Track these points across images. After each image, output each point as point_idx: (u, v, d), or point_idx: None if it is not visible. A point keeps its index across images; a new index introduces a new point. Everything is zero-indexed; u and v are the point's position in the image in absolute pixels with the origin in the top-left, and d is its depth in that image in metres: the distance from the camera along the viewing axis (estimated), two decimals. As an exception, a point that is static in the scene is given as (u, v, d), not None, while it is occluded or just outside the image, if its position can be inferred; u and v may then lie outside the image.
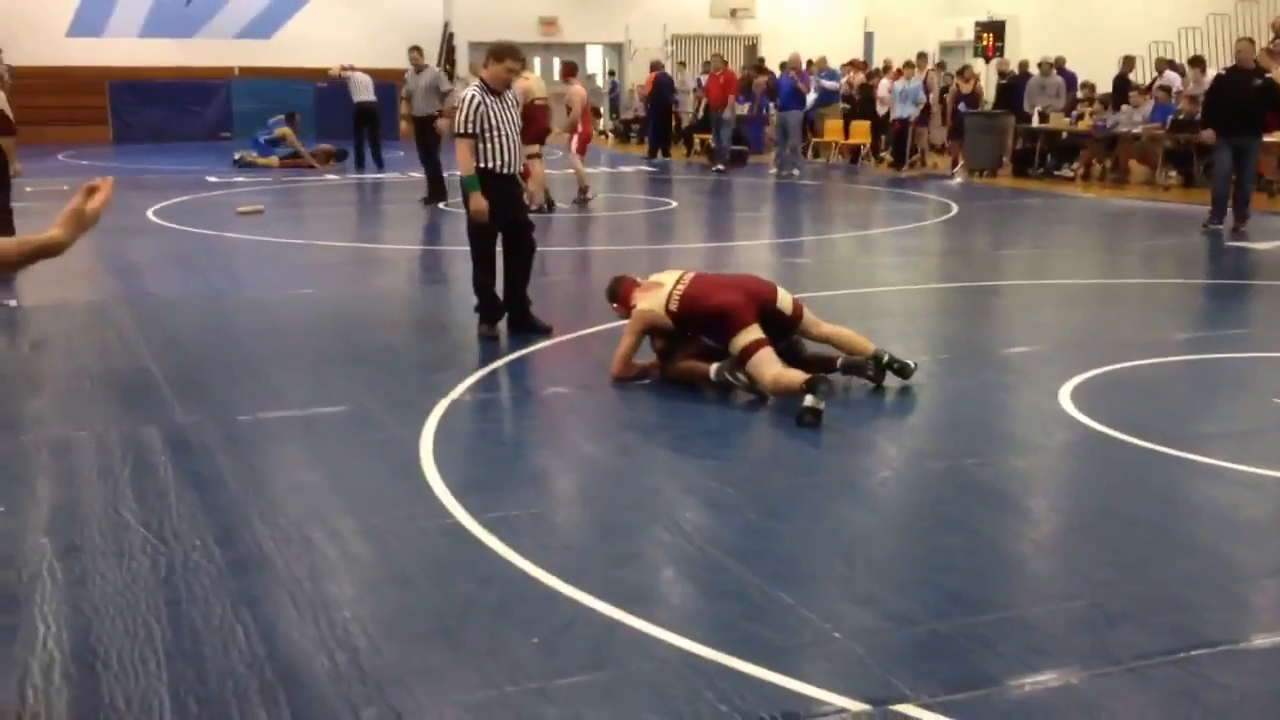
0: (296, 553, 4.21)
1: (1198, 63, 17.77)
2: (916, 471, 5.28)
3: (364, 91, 19.08)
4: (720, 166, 19.89)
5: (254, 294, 9.31)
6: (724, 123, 20.03)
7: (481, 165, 7.27)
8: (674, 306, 6.31)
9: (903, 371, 6.40)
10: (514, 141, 7.34)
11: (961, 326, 8.52)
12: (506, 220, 7.42)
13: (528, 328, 7.55)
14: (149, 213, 13.81)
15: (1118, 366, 6.82)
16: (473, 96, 7.22)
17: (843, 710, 3.20)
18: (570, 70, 15.32)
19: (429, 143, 14.81)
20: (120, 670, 3.39)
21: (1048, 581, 4.12)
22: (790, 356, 6.30)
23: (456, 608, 3.80)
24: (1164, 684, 3.34)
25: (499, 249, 7.57)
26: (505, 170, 7.32)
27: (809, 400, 5.72)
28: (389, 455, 5.31)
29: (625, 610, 3.76)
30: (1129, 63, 19.94)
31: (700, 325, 6.33)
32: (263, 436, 5.59)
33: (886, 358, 6.38)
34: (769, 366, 6.03)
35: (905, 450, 5.60)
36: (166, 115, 26.00)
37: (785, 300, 6.40)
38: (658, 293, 6.41)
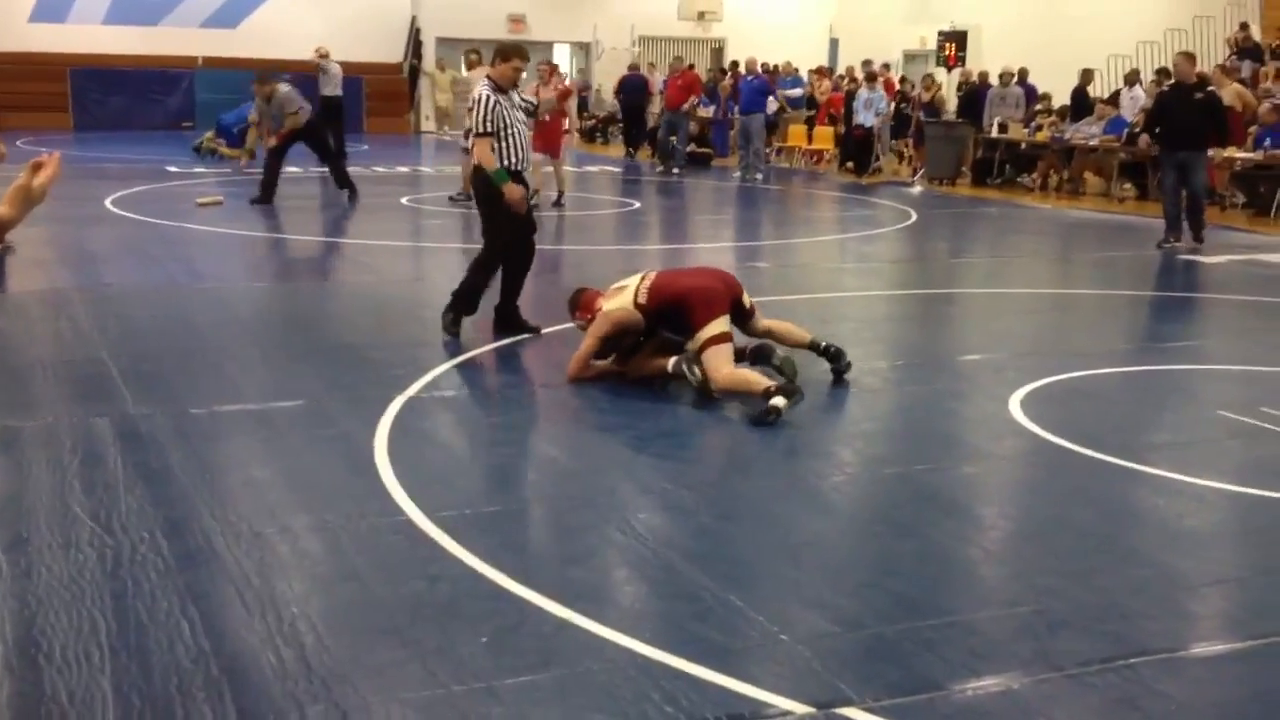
0: (246, 548, 4.20)
1: (1164, 74, 17.95)
2: (869, 476, 5.32)
3: (333, 85, 18.92)
4: (676, 169, 19.77)
5: (213, 286, 9.25)
6: (677, 124, 19.96)
7: (499, 163, 7.23)
8: (643, 299, 6.30)
9: (837, 358, 6.61)
10: (526, 139, 7.35)
11: (917, 333, 8.59)
12: (523, 218, 7.41)
13: (518, 328, 7.52)
14: (107, 202, 13.69)
15: (1068, 376, 6.90)
16: (487, 96, 7.15)
17: (788, 713, 3.23)
18: (554, 71, 15.19)
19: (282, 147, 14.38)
20: (63, 663, 3.37)
21: (993, 587, 4.17)
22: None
23: (406, 605, 3.80)
24: (1104, 691, 3.39)
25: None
26: (520, 167, 7.30)
27: (777, 400, 5.79)
28: (343, 451, 5.30)
29: (575, 610, 3.77)
30: (1087, 75, 20.13)
31: (671, 314, 6.29)
32: (216, 430, 5.56)
33: (823, 345, 6.63)
34: (726, 362, 6.10)
35: (859, 455, 5.65)
36: (128, 104, 25.80)
37: (745, 297, 6.54)
38: (623, 293, 6.41)
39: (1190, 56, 13.04)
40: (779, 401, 5.79)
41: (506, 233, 7.35)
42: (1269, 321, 9.14)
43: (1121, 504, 4.97)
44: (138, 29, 26.09)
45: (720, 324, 6.17)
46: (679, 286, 6.30)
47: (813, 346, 6.67)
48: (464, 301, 7.46)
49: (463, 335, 7.44)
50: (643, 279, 6.43)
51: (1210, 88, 12.66)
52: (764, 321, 6.68)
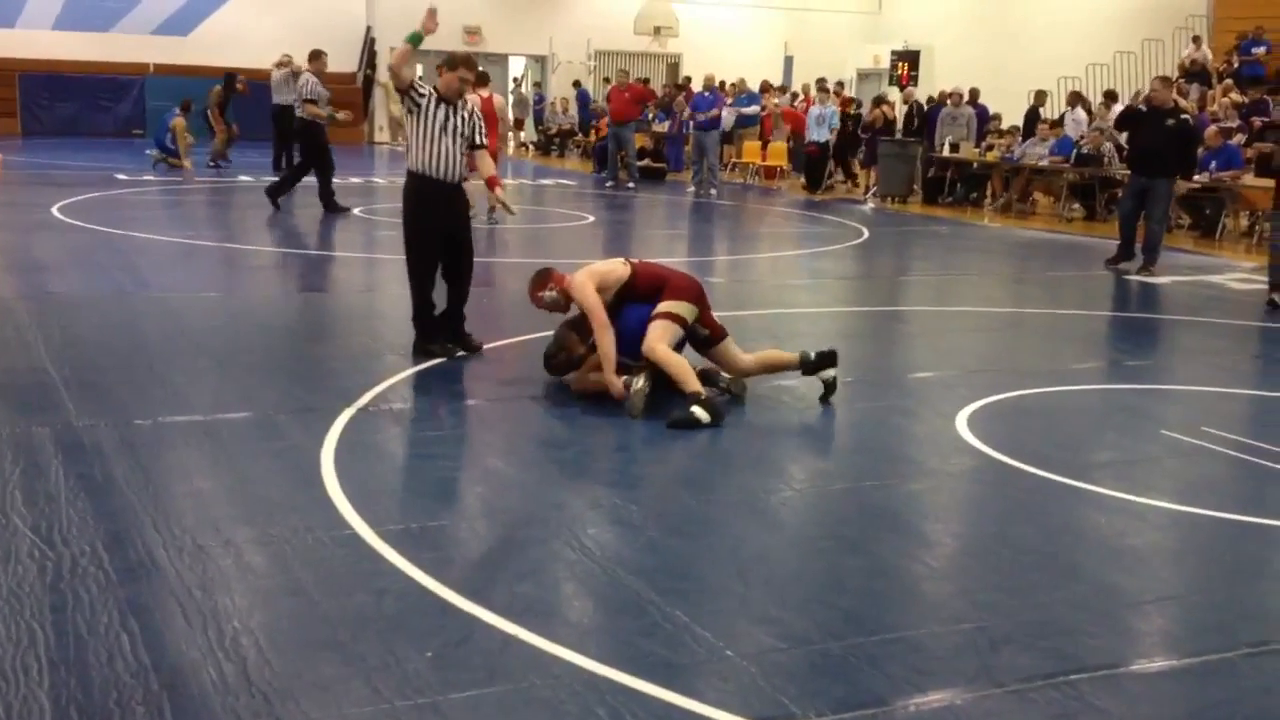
0: (189, 562, 4.16)
1: (1111, 97, 18.22)
2: (817, 492, 5.35)
3: (283, 93, 18.83)
4: (631, 183, 19.76)
5: (161, 295, 9.16)
6: (624, 138, 19.97)
7: (417, 170, 7.15)
8: (634, 261, 6.58)
9: (828, 363, 6.57)
10: (453, 153, 7.14)
11: (867, 350, 8.64)
12: (445, 231, 7.27)
13: (459, 346, 7.43)
14: (55, 209, 13.54)
15: (1015, 394, 6.97)
16: (429, 92, 7.08)
17: (732, 728, 3.24)
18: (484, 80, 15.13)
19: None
20: (0, 678, 3.32)
21: (937, 604, 4.20)
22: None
23: (350, 620, 3.77)
24: (1045, 707, 3.42)
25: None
26: (441, 177, 7.14)
27: (699, 411, 5.90)
28: (290, 464, 5.26)
29: (522, 625, 3.76)
30: (1040, 97, 20.38)
31: (650, 286, 6.40)
32: (161, 442, 5.50)
33: (813, 355, 6.59)
34: (668, 338, 6.21)
35: (807, 471, 5.68)
36: (78, 110, 25.60)
37: (711, 314, 6.58)
38: (611, 260, 6.64)
39: (1167, 80, 12.86)
40: (700, 413, 5.91)
41: (418, 236, 7.25)
42: (1212, 342, 9.28)
43: (1065, 521, 5.02)
44: (88, 35, 25.83)
45: (683, 306, 6.30)
46: (662, 271, 6.58)
47: (803, 360, 6.58)
48: (419, 324, 7.36)
49: (409, 350, 7.39)
50: (630, 259, 6.68)
51: (1184, 115, 12.48)
52: (747, 360, 6.57)
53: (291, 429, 5.74)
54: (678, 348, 6.35)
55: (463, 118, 7.19)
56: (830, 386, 6.56)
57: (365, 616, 3.80)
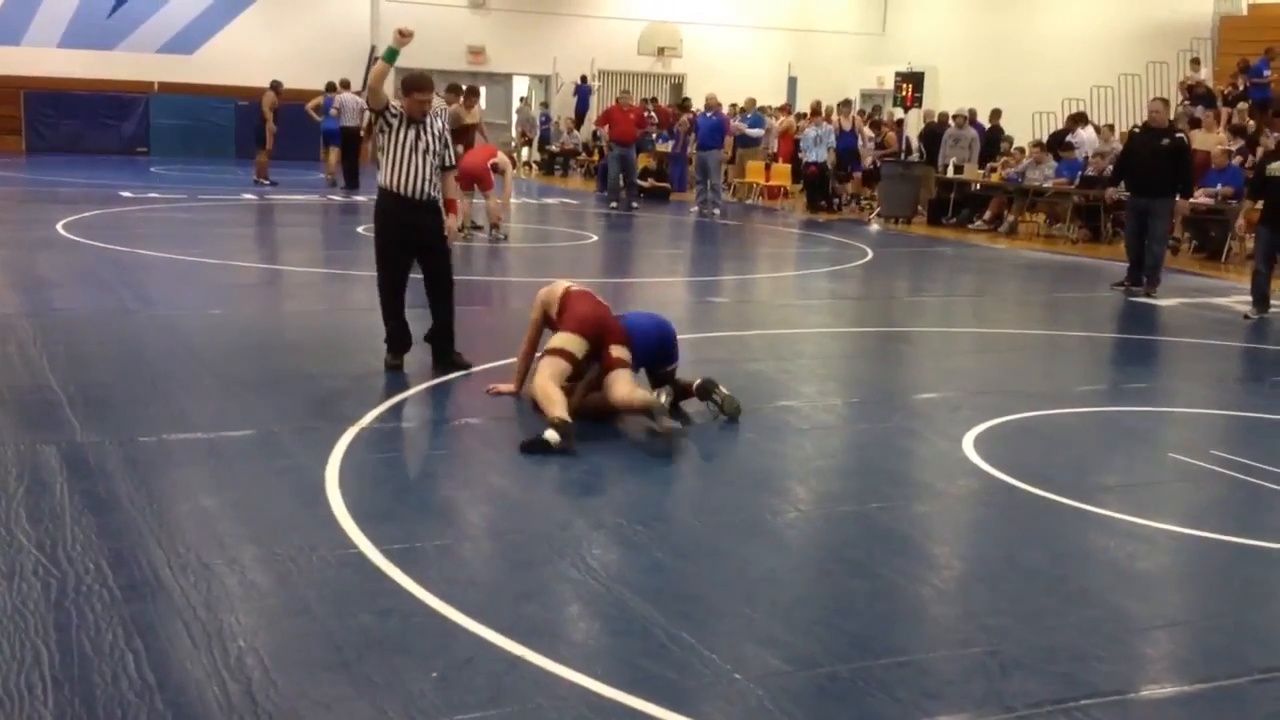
0: (193, 580, 4.13)
1: (1078, 119, 18.28)
2: (823, 514, 5.32)
3: (350, 116, 19.77)
4: (634, 203, 19.81)
5: (164, 313, 9.15)
6: (629, 159, 20.02)
7: (386, 186, 7.32)
8: (575, 288, 6.69)
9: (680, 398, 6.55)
10: (422, 171, 7.22)
11: (873, 371, 8.63)
12: (415, 247, 7.40)
13: (448, 364, 7.46)
14: (59, 226, 13.54)
15: (1021, 416, 6.95)
16: (399, 113, 7.25)
17: (739, 752, 3.22)
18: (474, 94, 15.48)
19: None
20: (5, 696, 3.30)
21: (946, 627, 4.17)
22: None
23: (355, 639, 3.75)
24: (1054, 732, 3.40)
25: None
26: (407, 194, 7.24)
27: (550, 435, 5.84)
28: (293, 482, 5.24)
29: (527, 646, 3.74)
30: (995, 114, 20.35)
31: (565, 311, 6.54)
32: (165, 459, 5.48)
33: (664, 399, 6.30)
34: (549, 374, 6.20)
35: (813, 492, 5.65)
36: (82, 128, 25.63)
37: (622, 353, 6.40)
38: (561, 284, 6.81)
39: (1165, 102, 12.98)
40: (551, 435, 5.83)
41: (384, 249, 7.46)
42: (1219, 365, 9.27)
43: (1073, 545, 5.00)
44: (93, 53, 25.88)
45: (568, 339, 6.34)
46: (573, 301, 6.57)
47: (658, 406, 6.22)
48: (388, 333, 7.48)
49: (414, 368, 7.39)
50: (573, 285, 6.80)
51: (1179, 134, 12.57)
52: (620, 393, 6.27)
53: (295, 447, 5.73)
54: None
55: (434, 135, 7.31)
56: (724, 407, 6.47)
57: (370, 636, 3.78)
